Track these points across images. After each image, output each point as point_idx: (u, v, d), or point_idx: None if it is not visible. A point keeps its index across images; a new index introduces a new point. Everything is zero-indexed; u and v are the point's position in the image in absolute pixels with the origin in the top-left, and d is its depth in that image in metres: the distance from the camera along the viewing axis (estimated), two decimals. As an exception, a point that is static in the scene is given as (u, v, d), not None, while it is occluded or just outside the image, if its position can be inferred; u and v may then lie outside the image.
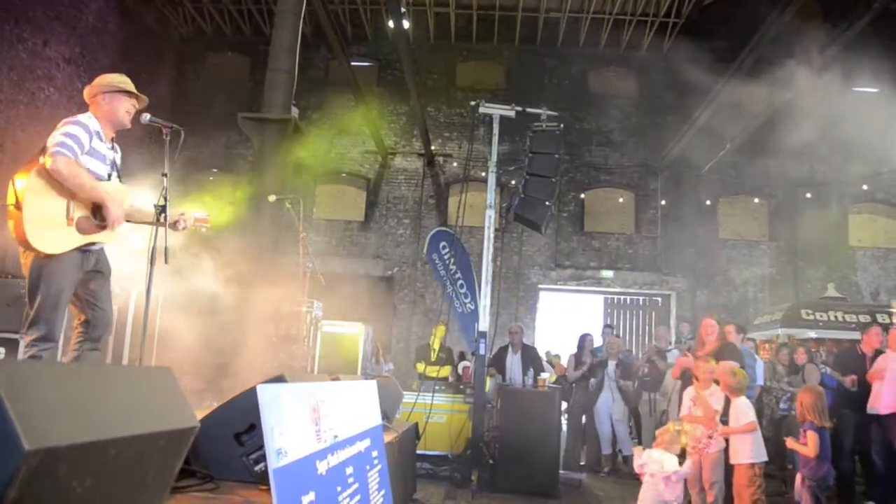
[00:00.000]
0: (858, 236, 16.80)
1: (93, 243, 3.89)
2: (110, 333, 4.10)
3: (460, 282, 11.27)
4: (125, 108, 4.02)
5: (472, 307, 10.89)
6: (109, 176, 4.02)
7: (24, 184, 3.58)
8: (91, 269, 3.95)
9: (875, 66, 15.90)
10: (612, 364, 9.25)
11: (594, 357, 9.32)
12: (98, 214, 3.87)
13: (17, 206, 3.57)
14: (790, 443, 5.70)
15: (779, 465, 8.52)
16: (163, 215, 4.05)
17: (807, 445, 5.41)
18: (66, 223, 3.73)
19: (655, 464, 5.00)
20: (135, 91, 4.06)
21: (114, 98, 3.99)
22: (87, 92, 4.04)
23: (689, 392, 5.99)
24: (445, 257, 11.29)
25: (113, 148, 4.11)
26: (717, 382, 5.76)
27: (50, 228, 3.67)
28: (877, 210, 17.06)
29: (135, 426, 1.62)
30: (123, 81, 4.05)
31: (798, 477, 5.67)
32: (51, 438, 1.26)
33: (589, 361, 9.21)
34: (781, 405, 8.58)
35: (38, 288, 3.67)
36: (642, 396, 9.32)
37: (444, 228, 12.73)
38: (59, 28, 12.83)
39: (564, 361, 10.37)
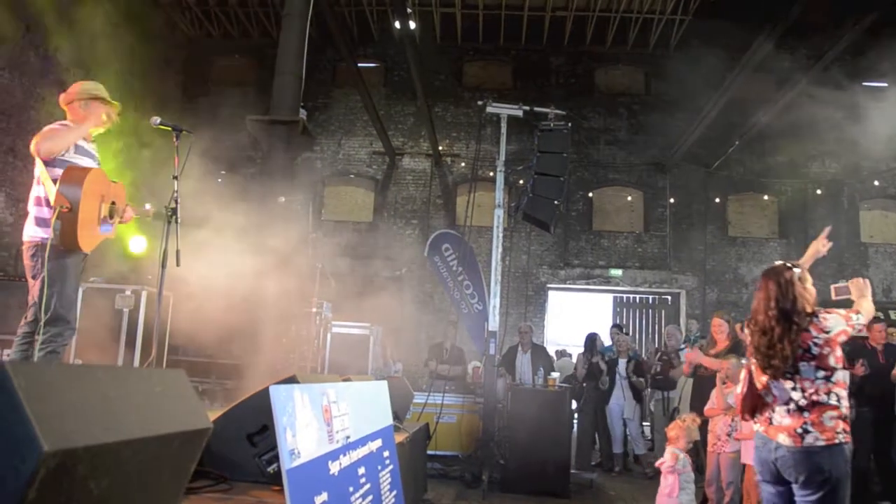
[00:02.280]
0: (870, 232, 16.69)
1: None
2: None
3: (466, 283, 11.23)
4: (101, 112, 4.17)
5: (480, 307, 10.86)
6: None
7: (81, 190, 3.73)
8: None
9: (885, 60, 15.80)
10: (622, 362, 9.22)
11: (603, 356, 9.31)
12: (114, 212, 4.05)
13: (72, 210, 3.70)
14: None
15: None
16: (173, 218, 4.08)
17: None
18: (96, 223, 3.92)
19: (664, 461, 5.02)
20: (108, 99, 4.20)
21: (90, 105, 4.14)
22: (62, 98, 4.18)
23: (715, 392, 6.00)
24: (448, 259, 11.25)
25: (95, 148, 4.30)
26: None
27: (89, 229, 3.86)
28: (889, 206, 16.94)
29: (150, 428, 1.63)
30: (98, 89, 4.19)
31: None
32: (69, 440, 1.27)
33: (597, 360, 9.20)
34: None
35: (57, 285, 3.77)
36: (654, 395, 9.29)
37: (446, 231, 12.68)
38: (68, 33, 12.91)
39: (574, 360, 10.37)
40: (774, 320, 3.25)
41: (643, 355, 10.86)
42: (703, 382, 6.43)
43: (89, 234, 3.85)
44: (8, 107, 11.39)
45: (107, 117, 4.18)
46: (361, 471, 3.27)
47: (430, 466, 7.32)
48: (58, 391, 1.34)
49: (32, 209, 3.95)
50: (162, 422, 1.72)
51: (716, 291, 16.41)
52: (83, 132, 4.02)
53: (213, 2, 16.60)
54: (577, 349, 13.86)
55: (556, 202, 8.06)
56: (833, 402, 3.12)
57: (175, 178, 4.09)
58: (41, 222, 3.88)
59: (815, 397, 3.14)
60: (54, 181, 3.82)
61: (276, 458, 2.88)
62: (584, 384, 9.34)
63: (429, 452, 6.98)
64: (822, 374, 3.16)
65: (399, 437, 4.56)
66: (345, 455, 3.01)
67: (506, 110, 8.74)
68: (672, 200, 16.72)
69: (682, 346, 9.34)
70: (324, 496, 2.63)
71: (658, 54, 17.28)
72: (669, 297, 17.04)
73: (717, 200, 16.75)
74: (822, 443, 3.07)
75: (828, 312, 3.25)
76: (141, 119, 4.27)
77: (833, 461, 3.06)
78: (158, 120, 4.21)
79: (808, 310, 3.26)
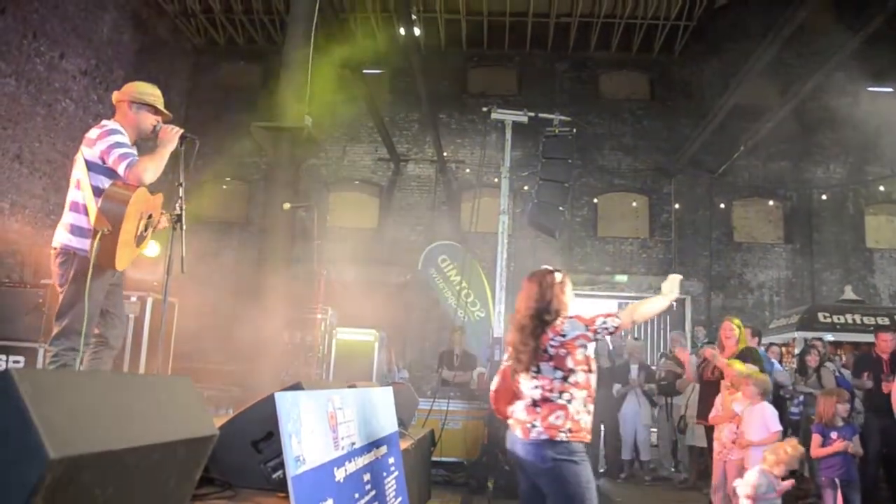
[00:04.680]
0: (876, 238, 16.62)
1: None
2: (120, 346, 4.14)
3: (465, 291, 11.17)
4: (149, 122, 4.09)
5: (482, 314, 10.81)
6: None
7: (125, 210, 3.62)
8: (115, 282, 4.03)
9: (890, 65, 15.78)
10: (634, 368, 9.16)
11: (613, 361, 9.26)
12: (149, 225, 3.96)
13: (113, 232, 3.59)
14: (825, 449, 5.60)
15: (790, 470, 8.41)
16: (179, 224, 4.07)
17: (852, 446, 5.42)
18: (134, 240, 3.82)
19: (744, 484, 4.75)
20: (162, 109, 4.14)
21: (140, 110, 4.07)
22: (115, 96, 4.10)
23: (720, 397, 5.98)
24: (446, 270, 11.19)
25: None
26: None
27: (127, 247, 3.75)
28: (894, 211, 16.88)
29: (156, 435, 1.63)
30: (153, 95, 4.12)
31: (826, 481, 5.60)
32: (74, 447, 1.26)
33: (608, 365, 9.17)
34: (793, 409, 8.41)
35: (79, 299, 3.68)
36: (661, 401, 9.26)
37: (442, 242, 12.61)
38: (74, 41, 12.97)
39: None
40: (528, 318, 3.47)
41: (647, 360, 10.83)
42: (709, 389, 6.40)
43: (126, 253, 3.76)
44: (14, 114, 11.44)
45: (152, 125, 4.07)
46: (367, 477, 3.26)
47: (435, 473, 7.31)
48: (64, 398, 1.34)
49: (68, 215, 3.83)
50: (168, 429, 1.72)
51: (721, 297, 16.35)
52: (168, 152, 3.94)
53: (218, 9, 16.66)
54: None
55: (560, 208, 8.07)
56: (563, 401, 3.32)
57: (180, 184, 4.08)
58: (76, 230, 3.78)
59: (548, 395, 3.34)
60: (95, 189, 3.74)
61: (281, 465, 2.88)
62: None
63: (434, 459, 6.96)
64: (559, 374, 3.35)
65: (404, 444, 4.55)
66: (350, 461, 3.01)
67: (510, 116, 8.75)
68: (677, 206, 16.69)
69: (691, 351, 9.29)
70: (329, 503, 2.62)
71: (663, 60, 17.27)
72: (674, 303, 16.97)
73: (723, 206, 16.71)
74: (544, 437, 3.28)
75: (568, 318, 3.44)
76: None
77: (554, 453, 3.27)
78: (162, 126, 4.20)
79: (560, 312, 3.46)
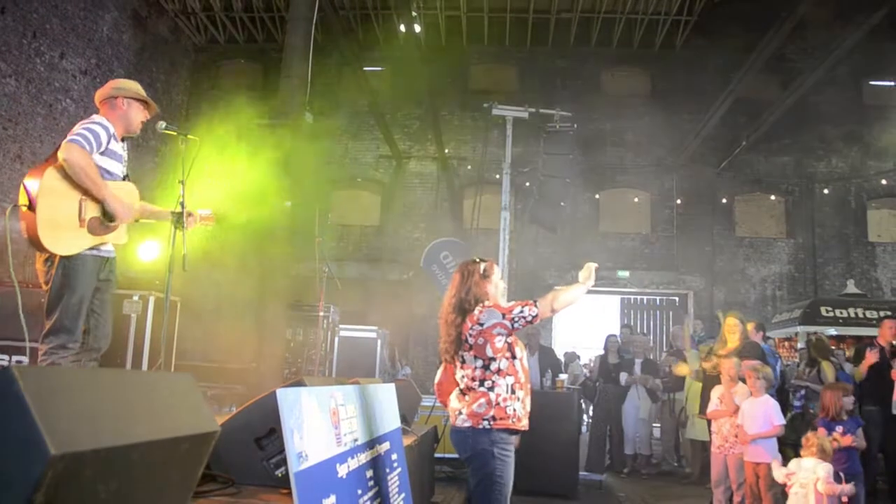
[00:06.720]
0: (878, 231, 16.59)
1: (104, 244, 3.88)
2: (107, 346, 4.07)
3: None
4: (139, 117, 4.07)
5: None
6: (126, 177, 4.07)
7: (38, 185, 3.52)
8: (103, 278, 3.97)
9: (892, 59, 15.75)
10: (638, 363, 9.15)
11: (621, 357, 9.27)
12: (107, 215, 3.81)
13: (31, 207, 3.52)
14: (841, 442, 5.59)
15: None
16: (180, 222, 4.07)
17: (858, 439, 5.42)
18: (77, 224, 3.68)
19: (808, 473, 4.67)
20: (150, 101, 4.12)
21: (132, 105, 4.03)
22: (101, 93, 4.03)
23: (717, 391, 5.98)
24: (448, 267, 11.17)
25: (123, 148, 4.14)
26: (743, 380, 5.74)
27: (63, 230, 3.63)
28: (896, 205, 16.87)
29: (158, 431, 1.63)
30: (140, 90, 4.09)
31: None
32: (76, 443, 1.26)
33: (617, 361, 9.17)
34: (795, 402, 8.38)
35: (63, 295, 3.66)
36: (663, 397, 9.25)
37: (445, 239, 12.57)
38: (74, 40, 12.98)
39: (584, 363, 10.32)
40: (451, 308, 3.56)
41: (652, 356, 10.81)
42: (712, 383, 6.40)
43: (66, 236, 3.63)
44: (14, 114, 11.45)
45: (141, 121, 4.07)
46: (370, 473, 3.27)
47: (439, 469, 7.31)
48: (66, 395, 1.34)
49: None
50: (170, 425, 1.72)
51: (723, 292, 16.33)
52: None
53: (218, 7, 16.66)
54: (584, 351, 13.78)
55: (562, 204, 8.07)
56: (484, 389, 3.39)
57: (181, 182, 4.08)
58: None
59: (471, 384, 3.43)
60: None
61: (283, 462, 2.88)
62: (597, 385, 9.30)
63: (437, 455, 6.96)
64: (480, 362, 3.43)
65: (407, 440, 4.55)
66: (353, 458, 3.01)
67: (512, 112, 8.74)
68: (679, 201, 16.66)
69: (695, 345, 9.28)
70: (332, 499, 2.62)
71: (664, 55, 17.23)
72: (677, 298, 16.97)
73: (724, 201, 16.68)
74: (468, 424, 3.38)
75: (487, 307, 3.50)
76: (147, 124, 4.22)
77: (476, 440, 3.36)
78: (164, 125, 4.19)
79: (480, 302, 3.52)
